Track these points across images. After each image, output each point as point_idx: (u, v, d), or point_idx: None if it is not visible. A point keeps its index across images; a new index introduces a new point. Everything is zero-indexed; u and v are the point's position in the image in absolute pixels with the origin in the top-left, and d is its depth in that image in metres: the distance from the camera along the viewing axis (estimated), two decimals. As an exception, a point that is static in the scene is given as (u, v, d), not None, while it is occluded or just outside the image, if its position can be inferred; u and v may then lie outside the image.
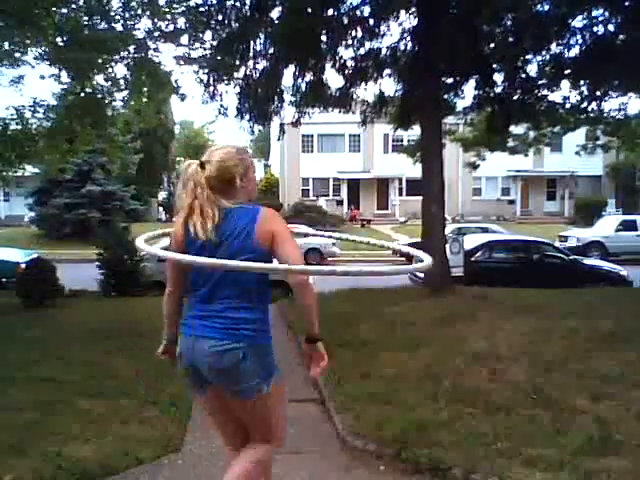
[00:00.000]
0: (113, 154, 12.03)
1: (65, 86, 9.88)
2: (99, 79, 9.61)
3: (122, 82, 9.56)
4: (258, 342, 2.17)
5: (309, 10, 8.30)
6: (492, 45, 8.76)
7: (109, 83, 9.58)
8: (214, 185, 2.16)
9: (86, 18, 8.61)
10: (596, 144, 16.75)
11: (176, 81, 9.64)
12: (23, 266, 10.00)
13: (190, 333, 2.18)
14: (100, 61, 9.00)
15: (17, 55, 9.24)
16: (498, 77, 9.24)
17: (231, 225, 2.13)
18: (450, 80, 9.36)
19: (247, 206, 2.20)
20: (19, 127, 9.80)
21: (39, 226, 25.62)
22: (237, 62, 9.12)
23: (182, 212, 2.17)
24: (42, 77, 9.52)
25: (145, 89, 9.84)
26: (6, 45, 8.88)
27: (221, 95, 9.43)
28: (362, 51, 9.26)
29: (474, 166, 17.59)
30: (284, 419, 2.39)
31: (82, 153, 11.96)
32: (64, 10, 8.65)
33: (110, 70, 9.40)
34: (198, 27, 8.72)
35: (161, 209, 34.83)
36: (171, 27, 8.71)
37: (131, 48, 8.90)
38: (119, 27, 8.66)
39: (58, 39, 8.61)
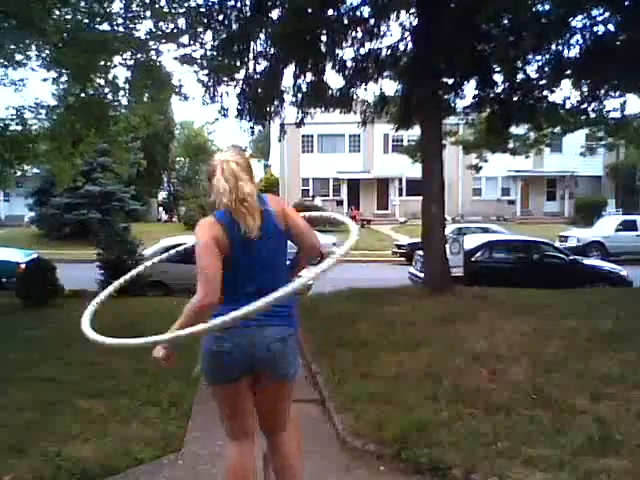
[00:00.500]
0: (120, 156, 12.00)
1: (65, 87, 9.85)
2: (101, 81, 9.59)
3: (123, 84, 9.55)
4: (298, 327, 2.37)
5: (309, 10, 8.30)
6: (492, 45, 8.75)
7: (109, 88, 9.55)
8: None
9: (87, 20, 8.59)
10: (600, 144, 16.76)
11: (179, 80, 9.67)
12: (23, 266, 9.99)
13: (250, 324, 2.17)
14: (102, 63, 8.99)
15: (19, 57, 9.20)
16: (498, 77, 9.24)
17: (266, 221, 2.26)
18: (450, 80, 9.33)
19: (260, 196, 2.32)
20: (19, 128, 9.77)
21: (39, 226, 25.62)
22: (237, 63, 9.12)
23: (234, 204, 2.19)
24: (44, 80, 9.50)
25: (146, 90, 9.82)
26: (6, 46, 8.85)
27: (221, 96, 9.44)
28: (362, 51, 9.27)
29: (477, 169, 17.56)
30: None
31: (86, 155, 11.85)
32: (64, 11, 8.63)
33: (111, 72, 9.40)
34: (198, 27, 8.71)
35: (161, 209, 34.82)
36: (172, 27, 8.70)
37: (132, 49, 8.89)
38: (120, 28, 8.64)
39: (59, 40, 8.58)
